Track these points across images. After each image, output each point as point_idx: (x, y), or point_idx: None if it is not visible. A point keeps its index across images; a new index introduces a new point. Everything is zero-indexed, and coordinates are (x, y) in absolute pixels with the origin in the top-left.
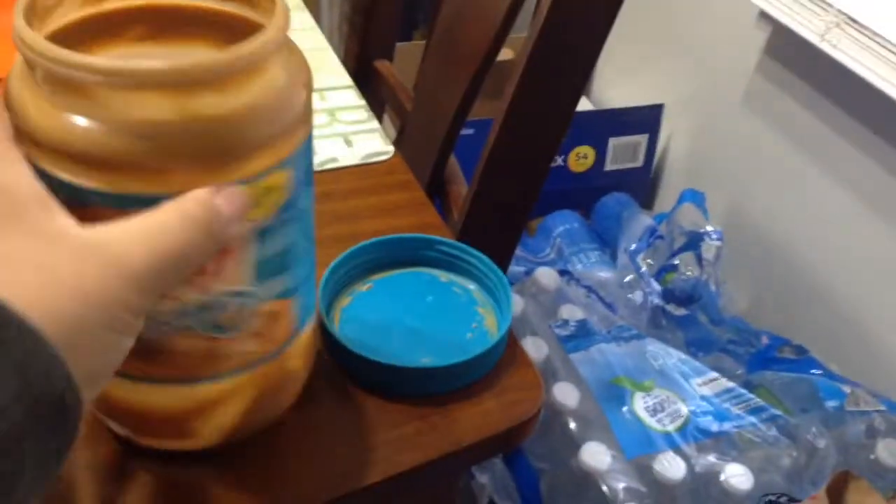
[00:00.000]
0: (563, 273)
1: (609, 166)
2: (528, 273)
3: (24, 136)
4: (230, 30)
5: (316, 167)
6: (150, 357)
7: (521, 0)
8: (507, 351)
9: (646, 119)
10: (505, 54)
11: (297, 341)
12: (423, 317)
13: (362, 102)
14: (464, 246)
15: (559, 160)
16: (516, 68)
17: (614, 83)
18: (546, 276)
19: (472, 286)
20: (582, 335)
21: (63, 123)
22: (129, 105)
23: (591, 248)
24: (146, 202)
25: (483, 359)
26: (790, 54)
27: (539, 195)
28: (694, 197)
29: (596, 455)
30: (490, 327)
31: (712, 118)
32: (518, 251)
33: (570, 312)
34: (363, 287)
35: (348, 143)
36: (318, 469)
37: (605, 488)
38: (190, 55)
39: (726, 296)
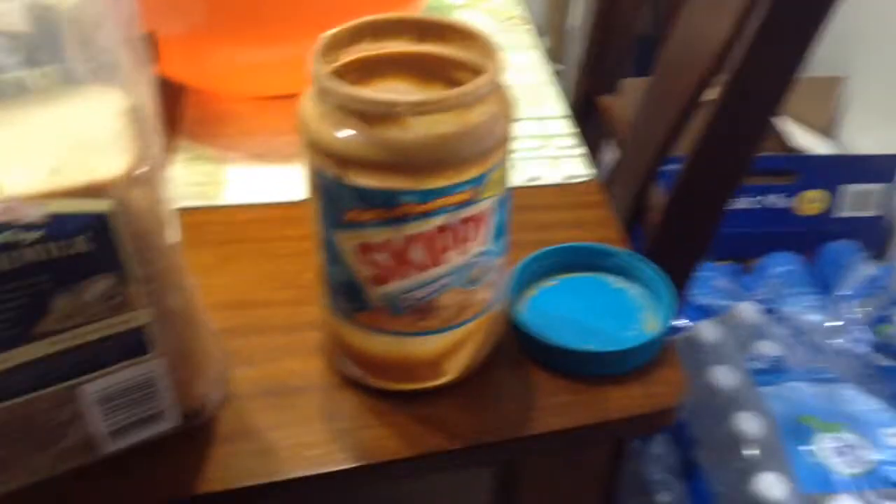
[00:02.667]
0: (769, 311)
1: (841, 212)
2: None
3: (316, 150)
4: (451, 73)
5: (524, 183)
6: (420, 314)
7: (728, 48)
8: (662, 353)
9: (885, 168)
10: (711, 94)
11: (503, 296)
12: (594, 313)
13: (573, 131)
14: (638, 257)
15: (787, 202)
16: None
17: (859, 131)
18: (746, 310)
19: (641, 293)
20: (776, 371)
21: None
22: (426, 124)
23: (809, 292)
24: (444, 192)
25: (635, 352)
26: None
27: (716, 233)
28: None
29: (772, 486)
30: (650, 329)
31: None
32: (729, 285)
33: (768, 348)
34: (549, 283)
35: (554, 164)
36: (494, 415)
37: None
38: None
39: None
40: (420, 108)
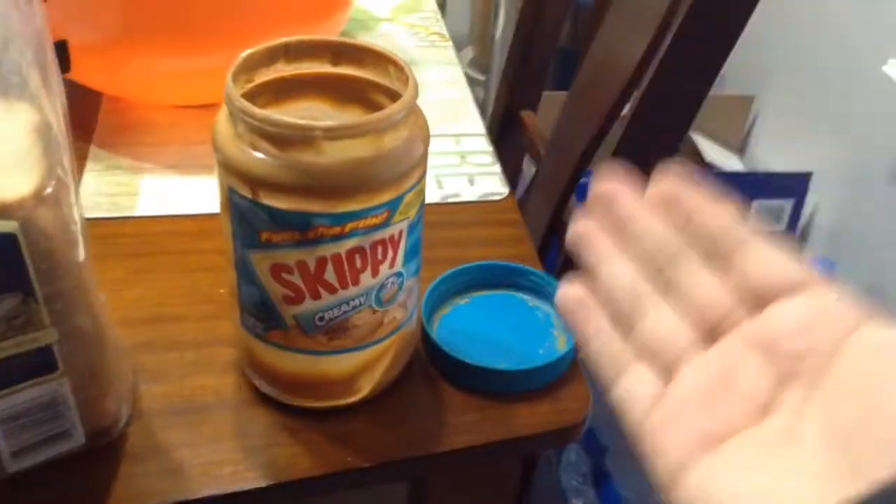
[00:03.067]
0: None
1: None
2: None
3: (231, 171)
4: (367, 94)
5: (441, 200)
6: (333, 333)
7: (649, 58)
8: (571, 369)
9: (793, 185)
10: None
11: (416, 314)
12: (506, 331)
13: (490, 148)
14: (549, 277)
15: None
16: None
17: (769, 148)
18: None
19: (552, 312)
20: None
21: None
22: (341, 149)
23: None
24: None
25: (544, 370)
26: None
27: None
28: (825, 266)
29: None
30: (560, 347)
31: (859, 192)
32: None
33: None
34: (462, 300)
35: (471, 182)
36: (406, 431)
37: None
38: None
39: None
40: (335, 133)
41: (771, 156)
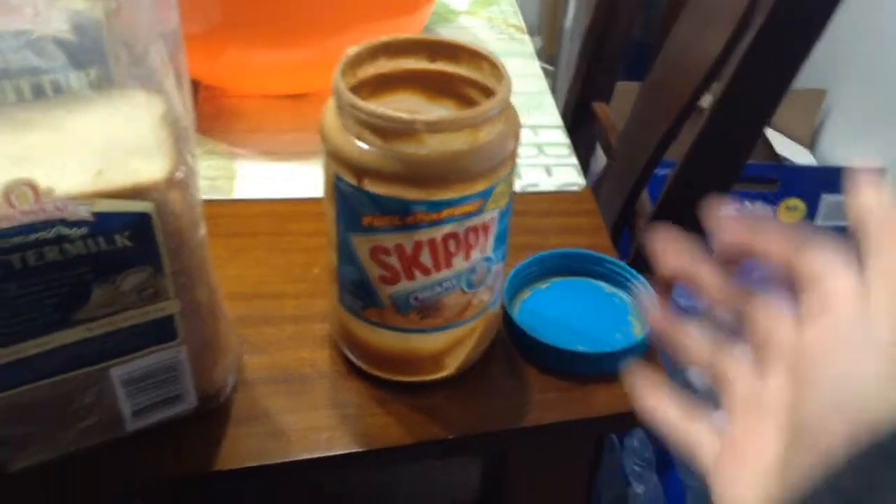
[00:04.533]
0: None
1: (820, 222)
2: None
3: (337, 159)
4: (460, 89)
5: (520, 189)
6: (425, 313)
7: (727, 54)
8: (646, 356)
9: None
10: (706, 101)
11: (500, 298)
12: (584, 316)
13: (567, 140)
14: (626, 266)
15: (768, 209)
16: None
17: (840, 143)
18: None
19: (628, 299)
20: None
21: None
22: (440, 141)
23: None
24: (453, 204)
25: (620, 354)
26: None
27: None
28: None
29: None
30: (636, 333)
31: None
32: None
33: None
34: (542, 286)
35: (549, 172)
36: (488, 407)
37: None
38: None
39: None
40: (435, 127)
41: (842, 150)
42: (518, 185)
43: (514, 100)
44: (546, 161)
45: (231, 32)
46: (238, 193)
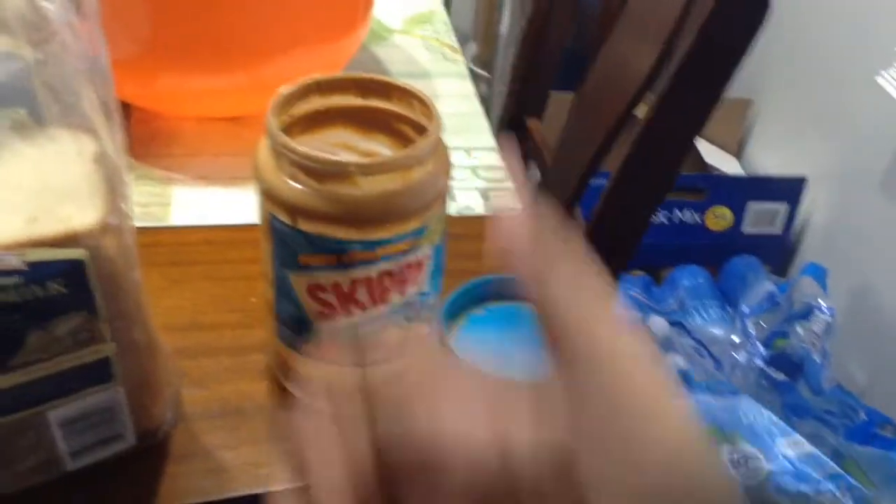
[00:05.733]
0: (675, 324)
1: (747, 229)
2: (645, 320)
3: (272, 199)
4: (392, 125)
5: (454, 213)
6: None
7: (659, 68)
8: None
9: (788, 189)
10: (641, 111)
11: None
12: (522, 342)
13: (502, 164)
14: None
15: (697, 217)
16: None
17: (766, 152)
18: (656, 324)
19: None
20: (682, 383)
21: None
22: (374, 182)
23: (713, 305)
24: (388, 242)
25: None
26: None
27: (638, 247)
28: (816, 271)
29: None
30: None
31: (852, 198)
32: (642, 298)
33: (674, 362)
34: (478, 312)
35: (485, 196)
36: None
37: None
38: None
39: (833, 368)
40: (369, 169)
41: (767, 160)
42: (453, 209)
43: (448, 120)
44: (481, 185)
45: (162, 57)
46: (174, 220)
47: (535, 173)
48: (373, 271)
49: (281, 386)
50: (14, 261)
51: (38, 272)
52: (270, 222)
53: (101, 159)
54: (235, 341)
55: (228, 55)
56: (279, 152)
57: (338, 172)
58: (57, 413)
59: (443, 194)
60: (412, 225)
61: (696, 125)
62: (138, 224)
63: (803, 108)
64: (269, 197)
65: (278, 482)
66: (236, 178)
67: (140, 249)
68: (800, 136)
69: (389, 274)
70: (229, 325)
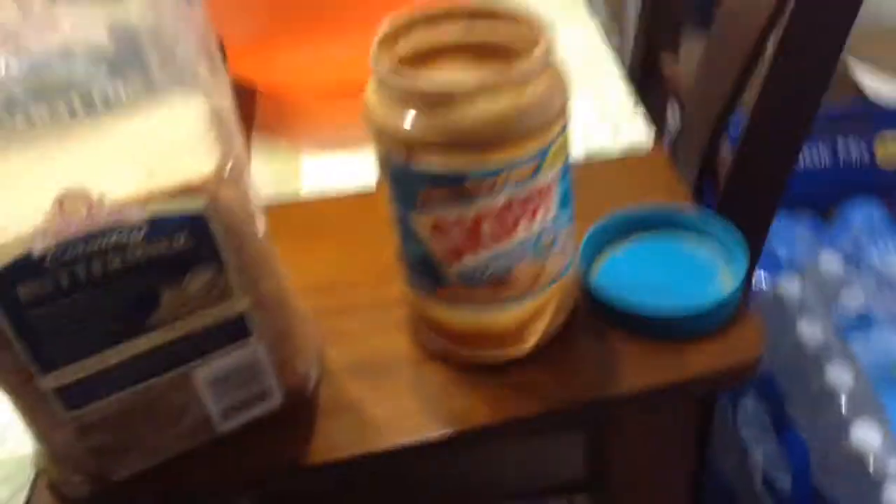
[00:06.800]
0: (852, 261)
1: None
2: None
3: (384, 137)
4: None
5: (585, 157)
6: (496, 286)
7: None
8: (740, 309)
9: None
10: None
11: (574, 262)
12: (668, 274)
13: (632, 102)
14: (708, 214)
15: (866, 149)
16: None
17: None
18: (828, 261)
19: (714, 251)
20: (864, 322)
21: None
22: (483, 105)
23: (892, 239)
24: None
25: (711, 313)
26: None
27: (788, 181)
28: None
29: (867, 435)
30: (726, 286)
31: None
32: (810, 236)
33: (854, 299)
34: (620, 248)
35: (616, 132)
36: (574, 379)
37: (871, 468)
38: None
39: None
40: (476, 91)
41: None
42: (583, 152)
43: (574, 66)
44: (612, 122)
45: (280, 31)
46: (304, 190)
47: (674, 114)
48: (496, 201)
49: (420, 336)
50: (136, 214)
51: (161, 225)
52: (386, 162)
53: (213, 116)
54: (373, 298)
55: (341, 25)
56: (384, 87)
57: (445, 98)
58: (202, 371)
59: (561, 113)
60: (531, 147)
61: (834, 42)
62: (271, 195)
63: None
64: (381, 135)
65: (427, 431)
66: (361, 145)
67: (273, 219)
68: None
69: (514, 203)
70: (367, 283)
